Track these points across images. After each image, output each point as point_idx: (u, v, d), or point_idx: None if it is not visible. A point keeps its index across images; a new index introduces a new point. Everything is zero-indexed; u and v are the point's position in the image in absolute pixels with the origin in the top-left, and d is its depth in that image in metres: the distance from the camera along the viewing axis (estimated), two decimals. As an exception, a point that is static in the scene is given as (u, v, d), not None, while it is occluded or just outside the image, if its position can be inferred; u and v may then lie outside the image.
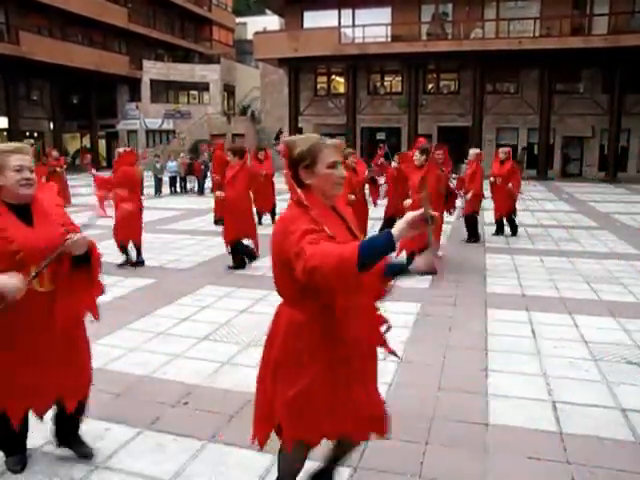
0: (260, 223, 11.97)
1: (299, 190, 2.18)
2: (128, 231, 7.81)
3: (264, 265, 8.07)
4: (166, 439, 3.28)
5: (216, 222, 11.90)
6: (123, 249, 7.89)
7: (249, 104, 38.12)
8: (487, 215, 13.71)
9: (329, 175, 2.16)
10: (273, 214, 12.11)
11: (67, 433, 3.07)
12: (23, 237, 2.58)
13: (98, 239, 10.51)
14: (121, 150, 8.31)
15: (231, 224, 7.72)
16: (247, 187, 7.79)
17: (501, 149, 10.60)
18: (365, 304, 2.28)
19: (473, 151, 10.31)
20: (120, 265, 7.79)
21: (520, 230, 11.37)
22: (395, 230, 1.88)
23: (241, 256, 7.89)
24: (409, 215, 1.91)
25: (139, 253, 8.05)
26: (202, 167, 19.86)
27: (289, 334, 2.21)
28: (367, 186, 8.95)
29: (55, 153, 16.36)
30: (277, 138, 33.93)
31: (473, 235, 10.08)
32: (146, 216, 13.52)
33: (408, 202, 7.23)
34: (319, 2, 27.89)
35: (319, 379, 2.21)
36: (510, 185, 10.05)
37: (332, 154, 2.19)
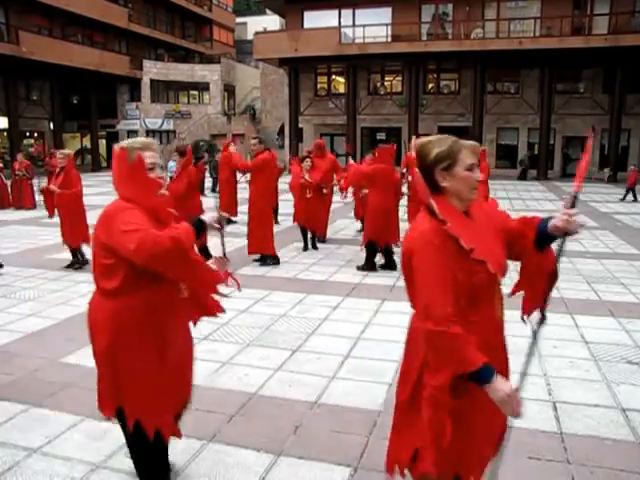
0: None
1: (432, 200, 2.04)
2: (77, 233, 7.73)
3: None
4: (166, 439, 3.27)
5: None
6: (74, 251, 7.83)
7: (253, 105, 38.04)
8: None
9: (467, 177, 2.04)
10: (275, 213, 12.10)
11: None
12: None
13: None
14: (67, 152, 8.27)
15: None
16: (192, 186, 7.83)
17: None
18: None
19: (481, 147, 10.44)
20: (68, 266, 7.80)
21: (520, 230, 11.37)
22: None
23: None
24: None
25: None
26: (206, 167, 19.94)
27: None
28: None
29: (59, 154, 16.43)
30: (280, 133, 34.00)
31: None
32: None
33: None
34: (319, 2, 27.88)
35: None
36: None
37: (470, 155, 2.08)
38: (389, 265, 7.79)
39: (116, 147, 2.46)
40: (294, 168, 9.40)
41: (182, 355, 2.63)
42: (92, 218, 11.32)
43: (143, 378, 2.47)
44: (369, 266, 7.75)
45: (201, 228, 2.47)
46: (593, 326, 5.31)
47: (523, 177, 25.72)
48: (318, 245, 9.55)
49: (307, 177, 8.98)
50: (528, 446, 3.19)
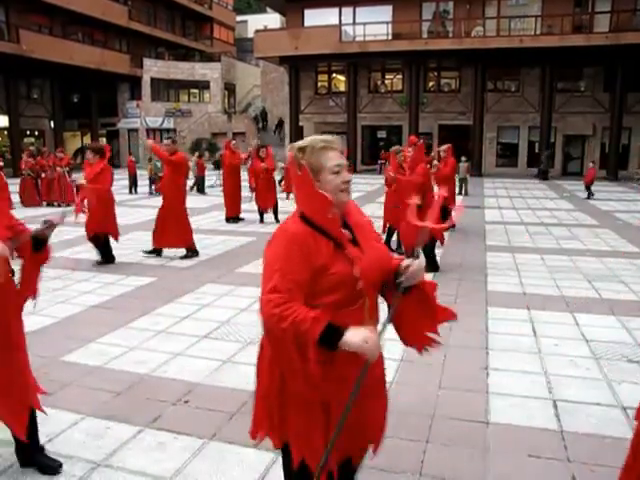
0: (262, 221, 11.98)
1: None
2: None
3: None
4: (167, 437, 3.28)
5: (227, 220, 12.09)
6: None
7: (262, 108, 37.51)
8: (489, 213, 13.70)
9: None
10: (276, 212, 12.10)
11: None
12: (358, 260, 2.00)
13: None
14: None
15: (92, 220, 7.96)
16: (111, 185, 7.97)
17: (441, 147, 10.47)
18: None
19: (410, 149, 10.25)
20: None
21: (521, 228, 11.37)
22: None
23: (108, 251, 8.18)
24: None
25: None
26: (205, 166, 20.06)
27: None
28: None
29: (60, 153, 16.58)
30: (279, 126, 33.99)
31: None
32: (148, 214, 13.53)
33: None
34: (320, 0, 27.84)
35: None
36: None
37: None
38: None
39: (289, 147, 2.12)
40: None
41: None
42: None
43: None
44: None
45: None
46: (594, 324, 5.31)
47: (545, 177, 25.16)
48: None
49: None
50: (528, 444, 3.19)
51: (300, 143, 2.08)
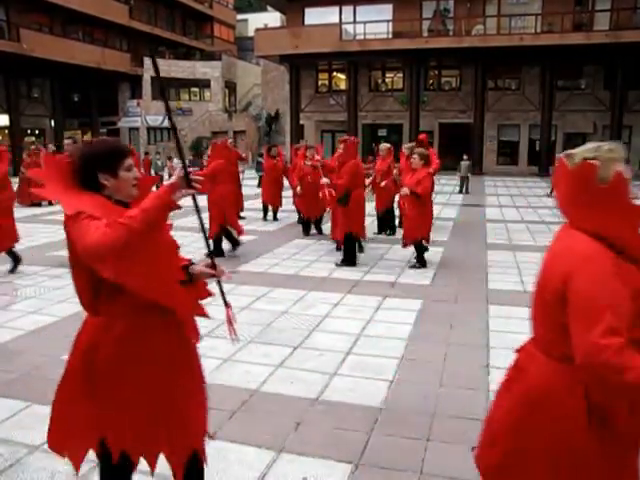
0: (265, 219, 12.02)
1: None
2: None
3: (266, 262, 8.09)
4: (167, 436, 3.27)
5: None
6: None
7: (267, 112, 37.07)
8: (489, 211, 13.69)
9: None
10: (275, 212, 12.13)
11: None
12: None
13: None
14: None
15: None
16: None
17: (382, 145, 10.33)
18: None
19: (384, 146, 10.09)
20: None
21: (522, 226, 11.38)
22: None
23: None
24: None
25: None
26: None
27: None
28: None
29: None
30: (276, 117, 33.94)
31: (389, 228, 10.34)
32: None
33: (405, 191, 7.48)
34: (320, -2, 27.85)
35: None
36: (384, 183, 9.50)
37: None
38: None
39: (568, 158, 1.84)
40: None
41: None
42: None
43: None
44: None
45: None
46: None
47: None
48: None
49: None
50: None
51: (595, 150, 1.80)
